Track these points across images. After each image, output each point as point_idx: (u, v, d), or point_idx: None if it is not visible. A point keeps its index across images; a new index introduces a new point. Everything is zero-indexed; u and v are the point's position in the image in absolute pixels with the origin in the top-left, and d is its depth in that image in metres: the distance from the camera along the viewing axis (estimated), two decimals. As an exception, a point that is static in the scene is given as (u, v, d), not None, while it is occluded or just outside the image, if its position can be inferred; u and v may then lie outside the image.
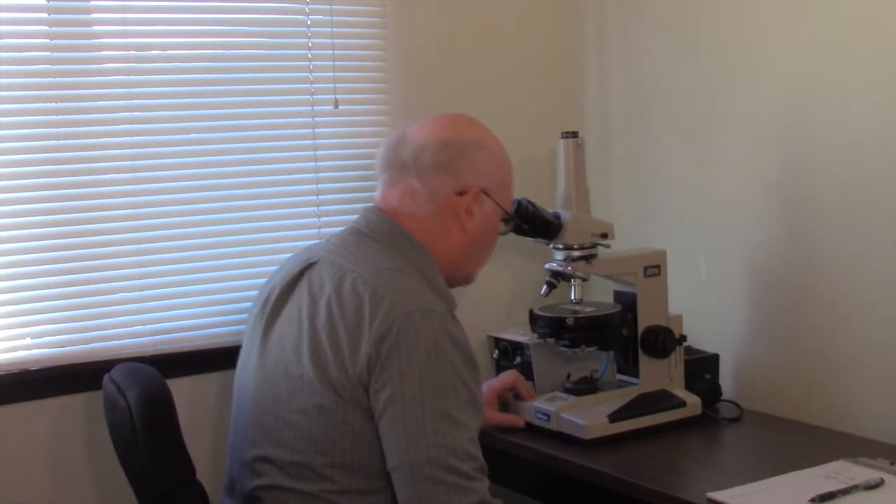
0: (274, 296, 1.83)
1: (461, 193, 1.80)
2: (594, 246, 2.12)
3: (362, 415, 1.62)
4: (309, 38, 2.30)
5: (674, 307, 2.22)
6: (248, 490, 1.74)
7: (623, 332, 2.18)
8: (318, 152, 2.32)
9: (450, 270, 1.82)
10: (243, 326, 2.22)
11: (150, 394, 1.72)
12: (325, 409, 1.64)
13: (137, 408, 1.69)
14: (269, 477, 1.70)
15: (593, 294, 2.38)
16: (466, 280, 1.92)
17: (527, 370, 2.32)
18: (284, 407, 1.69)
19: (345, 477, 1.65)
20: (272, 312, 1.81)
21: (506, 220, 1.91)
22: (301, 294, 1.76)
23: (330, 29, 2.30)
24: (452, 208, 1.79)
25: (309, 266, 1.80)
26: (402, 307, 1.61)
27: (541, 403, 2.12)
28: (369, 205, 1.88)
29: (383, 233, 1.79)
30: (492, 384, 2.19)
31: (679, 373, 2.20)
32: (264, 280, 2.23)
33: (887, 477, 1.72)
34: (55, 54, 2.05)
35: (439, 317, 1.62)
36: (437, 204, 1.79)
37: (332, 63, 2.31)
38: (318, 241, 1.87)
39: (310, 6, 2.29)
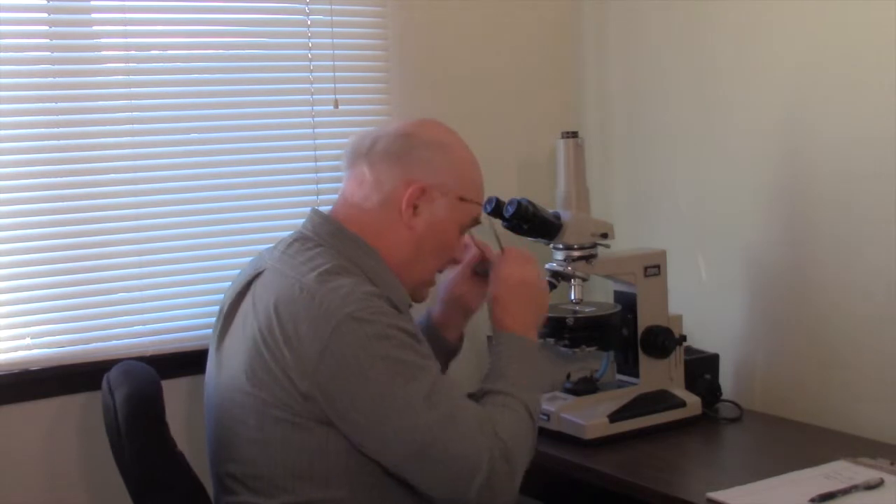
0: (225, 308, 1.79)
1: (407, 187, 1.72)
2: (594, 246, 2.12)
3: (316, 425, 1.59)
4: (309, 38, 2.30)
5: (674, 307, 2.22)
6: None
7: (623, 332, 2.18)
8: (318, 152, 2.32)
9: (401, 274, 1.74)
10: (243, 326, 2.23)
11: (135, 394, 1.71)
12: (279, 422, 1.61)
13: (122, 408, 1.68)
14: (237, 494, 1.69)
15: (593, 294, 2.38)
16: (417, 291, 1.80)
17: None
18: (238, 422, 1.66)
19: (306, 487, 1.62)
20: (223, 325, 1.77)
21: (461, 231, 1.80)
22: (247, 306, 1.70)
23: (330, 29, 2.30)
24: (397, 201, 1.72)
25: (257, 276, 1.74)
26: (337, 313, 1.56)
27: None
28: (318, 207, 1.85)
29: (328, 234, 1.74)
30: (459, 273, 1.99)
31: (679, 373, 2.20)
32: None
33: (887, 477, 1.72)
34: (55, 54, 2.05)
35: (365, 312, 1.57)
36: (383, 194, 1.73)
37: (332, 63, 2.31)
38: (268, 246, 1.88)
39: (310, 6, 2.29)
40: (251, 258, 1.89)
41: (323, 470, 1.61)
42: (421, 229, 1.73)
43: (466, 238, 1.90)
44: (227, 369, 1.72)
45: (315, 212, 1.81)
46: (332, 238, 1.73)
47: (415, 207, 1.72)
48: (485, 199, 1.88)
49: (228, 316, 1.76)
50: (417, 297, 1.82)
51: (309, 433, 1.60)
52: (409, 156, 1.74)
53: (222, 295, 2.20)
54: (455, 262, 1.86)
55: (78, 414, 2.06)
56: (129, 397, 1.70)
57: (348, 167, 1.81)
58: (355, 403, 1.56)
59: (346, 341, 1.55)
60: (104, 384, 1.79)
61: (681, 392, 2.18)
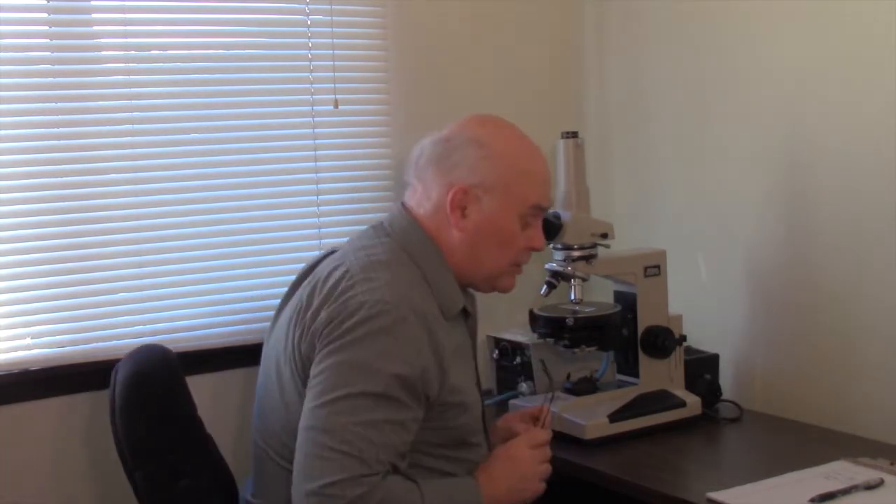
0: (293, 281, 1.88)
1: (449, 191, 1.74)
2: (594, 246, 2.12)
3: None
4: (309, 38, 2.30)
5: (674, 307, 2.22)
6: (256, 469, 1.82)
7: (623, 332, 2.18)
8: (318, 152, 2.32)
9: (464, 272, 1.77)
10: (243, 327, 2.23)
11: (132, 374, 1.83)
12: (295, 389, 1.68)
13: (119, 388, 1.81)
14: (267, 461, 1.76)
15: (593, 294, 2.38)
16: (491, 284, 1.82)
17: (527, 370, 2.32)
18: (272, 389, 1.75)
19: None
20: (284, 298, 1.86)
21: (526, 220, 1.78)
22: (308, 282, 1.78)
23: (330, 29, 2.30)
24: (444, 206, 1.74)
25: (329, 254, 1.84)
26: (360, 299, 1.61)
27: (540, 404, 2.12)
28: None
29: (399, 228, 1.77)
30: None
31: (679, 373, 2.20)
32: (264, 280, 2.24)
33: (887, 477, 1.72)
34: (55, 54, 2.05)
35: (390, 311, 1.60)
36: (432, 202, 1.76)
37: (332, 63, 2.31)
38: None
39: (310, 6, 2.29)
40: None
41: None
42: (472, 229, 1.75)
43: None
44: (272, 339, 1.81)
45: (396, 204, 1.84)
46: (402, 232, 1.77)
47: (463, 209, 1.74)
48: (545, 179, 1.83)
49: (290, 291, 1.85)
50: (499, 287, 1.83)
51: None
52: (448, 160, 1.76)
53: (222, 295, 2.22)
54: (536, 249, 1.83)
55: (78, 414, 2.06)
56: (126, 378, 1.82)
57: (409, 180, 1.83)
58: (315, 372, 1.61)
59: (353, 330, 1.59)
60: (114, 371, 1.88)
61: (681, 392, 2.18)
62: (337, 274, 1.69)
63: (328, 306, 1.64)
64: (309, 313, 1.67)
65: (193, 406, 1.92)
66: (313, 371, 1.62)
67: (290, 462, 1.63)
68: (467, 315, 1.83)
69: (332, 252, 1.84)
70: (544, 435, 1.83)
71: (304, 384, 1.64)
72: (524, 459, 1.77)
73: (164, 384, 1.89)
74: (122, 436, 1.80)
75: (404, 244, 1.75)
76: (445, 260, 1.75)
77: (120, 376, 1.86)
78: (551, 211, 2.12)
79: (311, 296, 1.70)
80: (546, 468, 1.79)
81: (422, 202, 1.78)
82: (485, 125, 1.81)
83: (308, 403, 1.60)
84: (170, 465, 1.81)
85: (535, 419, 1.91)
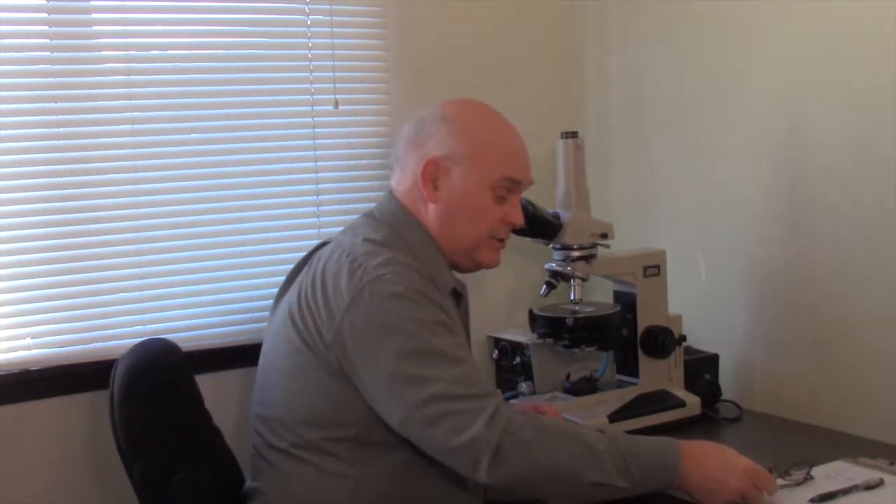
0: (289, 273, 1.94)
1: (421, 164, 1.82)
2: (594, 246, 2.12)
3: (336, 374, 1.70)
4: (309, 38, 2.30)
5: (674, 307, 2.22)
6: (253, 447, 1.88)
7: (623, 332, 2.18)
8: (318, 152, 2.32)
9: (444, 247, 1.83)
10: (243, 327, 2.23)
11: (129, 368, 1.86)
12: (305, 368, 1.74)
13: (116, 383, 1.84)
14: (261, 436, 1.83)
15: (593, 294, 2.38)
16: (472, 258, 1.86)
17: (527, 370, 2.32)
18: (274, 367, 1.82)
19: (318, 433, 1.74)
20: (285, 283, 1.92)
21: (498, 193, 1.82)
22: (307, 269, 1.83)
23: (330, 29, 2.30)
24: (417, 180, 1.82)
25: (322, 245, 1.89)
26: (371, 273, 1.67)
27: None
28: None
29: (388, 213, 1.86)
30: None
31: (679, 373, 2.20)
32: (263, 280, 2.24)
33: (887, 477, 1.72)
34: (55, 54, 2.05)
35: (401, 277, 1.67)
36: (409, 178, 1.84)
37: (332, 63, 2.31)
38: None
39: (310, 6, 2.29)
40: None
41: (336, 418, 1.71)
42: (444, 201, 1.81)
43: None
44: (274, 322, 1.86)
45: (387, 191, 1.91)
46: (390, 216, 1.85)
47: (434, 182, 1.81)
48: (515, 152, 1.87)
49: (291, 276, 1.92)
50: (480, 260, 1.87)
51: (330, 382, 1.70)
52: (420, 136, 1.84)
53: (221, 294, 2.22)
54: (511, 223, 1.87)
55: (78, 414, 2.06)
56: (125, 370, 1.85)
57: (392, 164, 1.92)
58: (365, 360, 1.66)
59: (374, 297, 1.65)
60: (115, 365, 1.91)
61: (681, 392, 2.18)
62: (340, 258, 1.74)
63: (340, 293, 1.68)
64: (320, 298, 1.71)
65: (198, 399, 1.94)
66: (362, 361, 1.66)
67: (291, 445, 1.75)
68: (459, 299, 1.88)
69: (326, 243, 1.88)
70: (769, 482, 1.65)
71: (332, 371, 1.69)
72: (736, 460, 1.65)
73: (165, 377, 1.91)
74: (120, 429, 1.82)
75: (394, 227, 1.82)
76: (433, 239, 1.82)
77: (119, 369, 1.88)
78: (551, 211, 2.13)
79: (315, 282, 1.75)
80: (751, 488, 1.62)
81: (401, 181, 1.86)
82: (455, 104, 1.89)
83: (388, 394, 1.64)
84: (167, 459, 1.83)
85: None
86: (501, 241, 1.88)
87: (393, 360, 1.63)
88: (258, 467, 1.85)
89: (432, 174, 1.80)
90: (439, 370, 1.61)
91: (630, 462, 1.60)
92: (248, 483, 1.87)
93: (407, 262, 1.73)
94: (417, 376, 1.61)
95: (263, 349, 1.90)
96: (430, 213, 1.82)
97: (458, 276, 1.92)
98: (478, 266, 1.88)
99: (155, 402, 1.86)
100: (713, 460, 1.65)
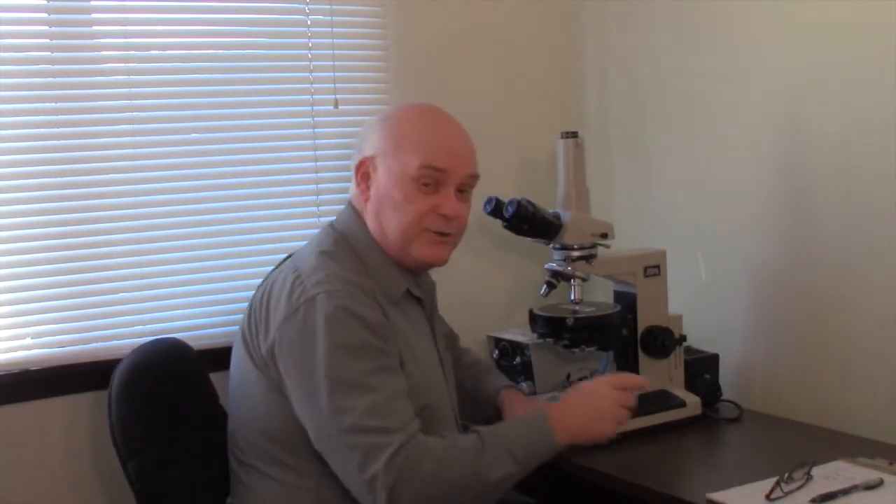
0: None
1: (356, 165, 1.85)
2: (594, 246, 2.12)
3: (274, 388, 1.72)
4: (309, 38, 2.30)
5: (674, 307, 2.22)
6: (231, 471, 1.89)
7: (623, 332, 2.18)
8: (318, 152, 2.32)
9: (384, 247, 1.82)
10: (242, 327, 2.23)
11: (128, 367, 1.88)
12: (248, 381, 1.77)
13: (115, 381, 1.87)
14: (231, 450, 1.86)
15: (593, 294, 2.38)
16: (409, 254, 1.82)
17: (527, 370, 2.32)
18: (233, 380, 1.85)
19: (264, 445, 1.76)
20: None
21: (423, 182, 1.79)
22: (262, 283, 1.86)
23: (330, 29, 2.30)
24: (356, 182, 1.85)
25: (288, 256, 1.91)
26: (310, 291, 1.68)
27: (540, 404, 2.12)
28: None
29: (342, 221, 1.88)
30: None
31: (679, 373, 2.20)
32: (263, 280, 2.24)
33: (886, 477, 1.72)
34: (55, 54, 2.05)
35: (336, 296, 1.67)
36: (353, 183, 1.87)
37: (332, 63, 2.31)
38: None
39: (310, 6, 2.29)
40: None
41: (285, 431, 1.72)
42: (374, 198, 1.83)
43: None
44: (236, 341, 1.86)
45: (347, 200, 1.92)
46: (344, 223, 1.87)
47: (367, 181, 1.83)
48: (442, 142, 1.84)
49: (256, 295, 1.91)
50: (416, 255, 1.82)
51: (272, 395, 1.72)
52: (358, 141, 1.88)
53: (222, 294, 2.23)
54: (443, 215, 1.82)
55: (78, 414, 2.06)
56: (124, 369, 1.88)
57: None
58: (289, 377, 1.68)
59: (307, 316, 1.66)
60: (118, 364, 1.93)
61: (681, 392, 2.18)
62: (288, 274, 1.76)
63: (279, 309, 1.71)
64: (264, 313, 1.74)
65: (208, 398, 1.94)
66: (288, 377, 1.69)
67: (254, 459, 1.77)
68: (422, 303, 1.89)
69: (291, 255, 1.90)
70: (632, 380, 1.84)
71: (273, 385, 1.72)
72: (604, 397, 1.77)
73: (166, 375, 1.92)
74: (116, 425, 1.83)
75: (347, 235, 1.83)
76: (377, 243, 1.82)
77: (119, 367, 1.89)
78: (551, 211, 2.12)
79: (264, 297, 1.77)
80: (624, 413, 1.78)
81: (352, 187, 1.88)
82: (399, 106, 1.93)
83: (307, 411, 1.66)
84: (161, 455, 1.84)
85: None
86: (443, 235, 1.83)
87: (310, 385, 1.64)
88: (232, 482, 1.86)
89: (364, 174, 1.83)
90: (351, 400, 1.61)
91: (512, 447, 1.66)
92: (228, 499, 1.86)
93: (346, 276, 1.72)
94: (331, 405, 1.62)
95: (231, 375, 1.90)
96: (368, 214, 1.83)
97: (428, 275, 1.95)
98: (421, 263, 1.84)
99: (154, 399, 1.87)
100: (579, 408, 1.76)
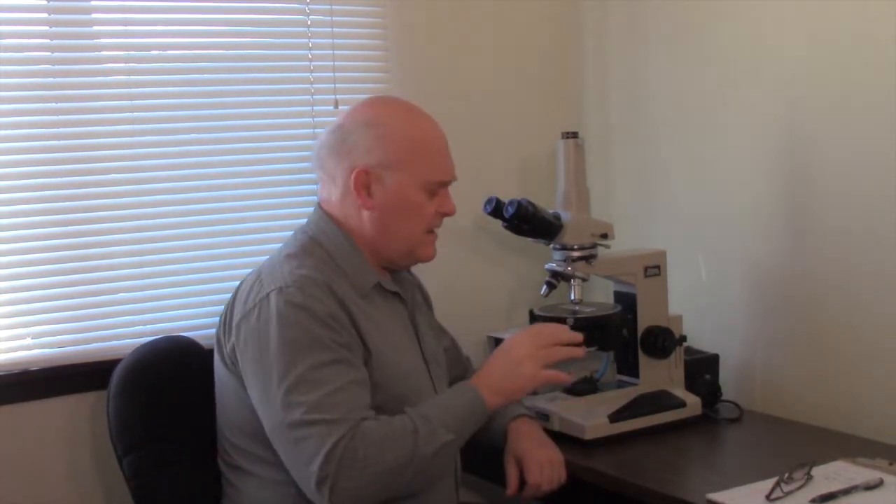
0: None
1: (352, 174, 1.81)
2: (594, 246, 2.12)
3: (242, 385, 1.75)
4: (309, 38, 2.30)
5: (674, 307, 2.22)
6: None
7: (623, 333, 2.17)
8: (318, 152, 2.32)
9: (379, 248, 1.84)
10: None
11: (128, 363, 1.90)
12: (222, 380, 1.82)
13: (114, 379, 1.90)
14: (218, 451, 1.88)
15: (593, 294, 2.38)
16: (411, 256, 1.88)
17: (527, 370, 2.32)
18: (217, 388, 1.86)
19: (242, 442, 1.79)
20: None
21: (430, 190, 1.84)
22: (237, 287, 1.88)
23: (330, 29, 2.31)
24: (350, 190, 1.82)
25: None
26: (268, 287, 1.73)
27: (541, 403, 2.12)
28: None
29: (313, 223, 1.87)
30: None
31: (679, 373, 2.20)
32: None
33: (886, 477, 1.72)
34: (55, 54, 2.05)
35: (286, 292, 1.70)
36: (339, 188, 1.83)
37: (332, 63, 2.31)
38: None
39: (310, 6, 2.30)
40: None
41: (257, 426, 1.72)
42: (380, 207, 1.82)
43: None
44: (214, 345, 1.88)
45: (316, 205, 1.92)
46: (314, 225, 1.87)
47: (367, 189, 1.81)
48: (441, 150, 1.88)
49: None
50: (419, 257, 1.89)
51: (242, 392, 1.75)
52: (345, 145, 1.82)
53: (222, 295, 2.22)
54: (445, 214, 1.88)
55: (79, 414, 2.06)
56: (123, 367, 1.90)
57: (317, 174, 1.91)
58: (246, 373, 1.72)
59: (261, 314, 1.70)
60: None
61: (681, 392, 2.18)
62: (254, 277, 1.80)
63: (238, 310, 1.75)
64: (230, 314, 1.78)
65: (206, 397, 1.93)
66: (245, 375, 1.73)
67: (235, 457, 1.80)
68: (401, 298, 1.89)
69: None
70: (552, 330, 1.86)
71: (241, 383, 1.75)
72: (517, 345, 1.81)
73: (166, 372, 1.93)
74: (113, 421, 1.84)
75: (316, 235, 1.84)
76: (355, 242, 1.83)
77: (119, 367, 1.90)
78: (551, 211, 2.13)
79: (232, 298, 1.82)
80: (546, 353, 1.80)
81: (331, 191, 1.86)
82: (374, 105, 1.89)
83: (261, 408, 1.70)
84: (158, 453, 1.85)
85: None
86: (434, 232, 1.90)
87: (264, 382, 1.67)
88: (223, 485, 1.87)
89: (364, 182, 1.80)
90: (300, 395, 1.63)
91: (443, 416, 1.70)
92: (222, 502, 1.88)
93: (300, 272, 1.74)
94: (282, 402, 1.64)
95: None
96: (366, 220, 1.82)
97: (413, 270, 1.97)
98: (415, 262, 1.91)
99: (153, 396, 1.87)
100: (495, 362, 1.81)
